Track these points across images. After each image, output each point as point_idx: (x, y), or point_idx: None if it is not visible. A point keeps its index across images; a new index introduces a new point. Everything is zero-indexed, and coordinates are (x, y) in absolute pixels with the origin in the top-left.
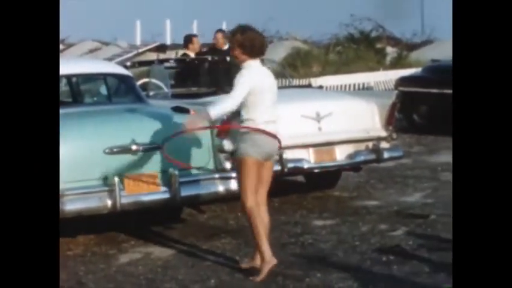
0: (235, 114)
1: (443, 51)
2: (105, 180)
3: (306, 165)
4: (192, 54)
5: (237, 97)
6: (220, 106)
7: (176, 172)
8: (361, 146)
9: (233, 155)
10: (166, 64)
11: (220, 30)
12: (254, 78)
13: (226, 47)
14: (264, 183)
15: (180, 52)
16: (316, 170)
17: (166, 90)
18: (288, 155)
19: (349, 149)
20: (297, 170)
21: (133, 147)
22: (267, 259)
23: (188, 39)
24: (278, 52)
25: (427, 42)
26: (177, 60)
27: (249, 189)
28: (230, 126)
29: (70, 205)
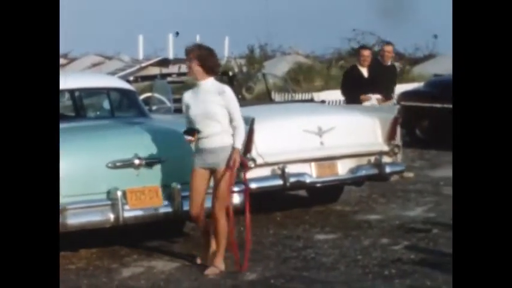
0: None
1: (445, 65)
2: (108, 194)
3: (308, 180)
4: (362, 69)
5: None
6: (242, 136)
7: (179, 186)
8: (363, 161)
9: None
10: (169, 79)
11: (389, 43)
12: None
13: (389, 62)
14: (216, 196)
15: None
16: (318, 185)
17: (169, 104)
18: (290, 169)
19: (351, 163)
20: (299, 185)
21: (136, 161)
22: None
23: (357, 52)
24: (281, 67)
25: (429, 57)
26: (180, 74)
27: (193, 198)
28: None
29: (73, 219)
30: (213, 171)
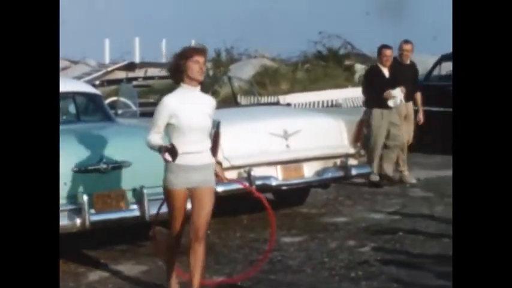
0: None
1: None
2: (74, 198)
3: (274, 183)
4: (384, 69)
5: None
6: None
7: (145, 190)
8: (329, 163)
9: None
10: (135, 83)
11: (407, 41)
12: None
13: (408, 61)
14: (203, 217)
15: None
16: (284, 187)
17: (134, 108)
18: (256, 172)
19: (317, 166)
20: (265, 187)
21: (102, 165)
22: None
23: (378, 51)
24: (247, 70)
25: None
26: (146, 78)
27: (176, 223)
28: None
29: None
30: (191, 190)
